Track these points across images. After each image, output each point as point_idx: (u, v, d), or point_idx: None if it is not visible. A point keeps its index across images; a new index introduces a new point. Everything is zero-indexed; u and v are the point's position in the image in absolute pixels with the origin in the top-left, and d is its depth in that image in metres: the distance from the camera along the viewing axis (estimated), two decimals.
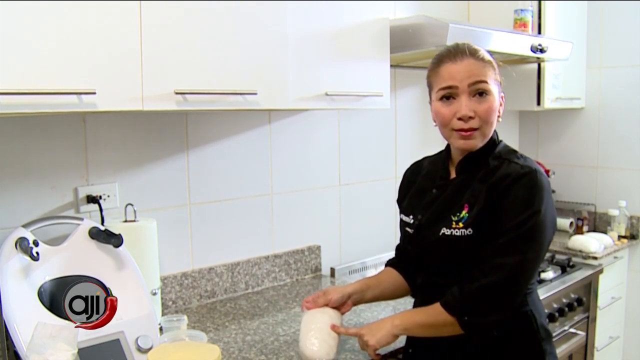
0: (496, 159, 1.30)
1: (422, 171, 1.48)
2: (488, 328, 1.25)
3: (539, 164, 1.35)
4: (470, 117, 1.26)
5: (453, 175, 1.37)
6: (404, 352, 1.48)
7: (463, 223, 1.26)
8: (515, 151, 1.33)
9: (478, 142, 1.30)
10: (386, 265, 1.57)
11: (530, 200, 1.21)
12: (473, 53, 1.29)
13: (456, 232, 1.26)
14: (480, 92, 1.26)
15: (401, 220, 1.45)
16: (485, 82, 1.26)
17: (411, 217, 1.40)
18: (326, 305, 1.44)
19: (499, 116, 1.32)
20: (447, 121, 1.29)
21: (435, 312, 1.26)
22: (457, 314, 1.23)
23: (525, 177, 1.23)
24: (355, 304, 1.49)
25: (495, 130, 1.34)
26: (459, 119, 1.27)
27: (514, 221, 1.21)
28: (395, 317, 1.34)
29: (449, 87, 1.28)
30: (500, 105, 1.33)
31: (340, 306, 1.46)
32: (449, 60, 1.29)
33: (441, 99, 1.30)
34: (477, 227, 1.24)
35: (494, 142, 1.33)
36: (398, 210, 1.50)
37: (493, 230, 1.23)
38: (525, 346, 1.31)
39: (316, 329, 1.38)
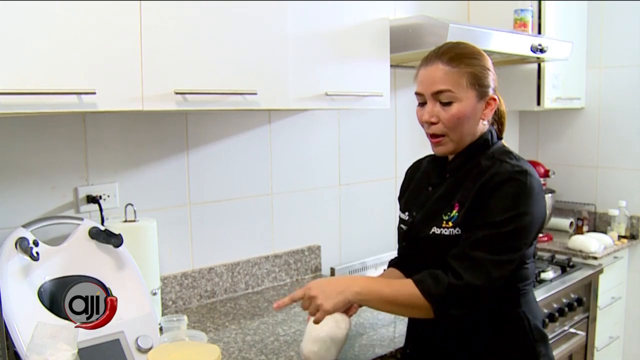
0: (489, 159, 1.29)
1: (422, 169, 1.48)
2: (457, 319, 1.23)
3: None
4: (433, 123, 1.29)
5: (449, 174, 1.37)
6: (402, 352, 1.48)
7: (453, 222, 1.26)
8: (509, 152, 1.32)
9: (449, 148, 1.31)
10: (389, 265, 1.57)
11: (518, 201, 1.20)
12: (445, 57, 1.27)
13: (445, 231, 1.26)
14: (443, 100, 1.27)
15: (399, 217, 1.46)
16: (449, 90, 1.25)
17: (407, 214, 1.41)
18: None
19: (482, 119, 1.31)
20: (421, 124, 1.34)
21: (408, 292, 1.22)
22: (436, 303, 1.19)
23: (515, 178, 1.22)
24: (361, 306, 1.49)
25: (490, 131, 1.34)
26: (425, 122, 1.31)
27: (496, 218, 1.19)
28: (355, 282, 1.28)
29: (419, 93, 1.32)
30: (487, 106, 1.31)
31: (347, 309, 1.46)
32: (424, 64, 1.31)
33: (418, 102, 1.34)
34: (465, 226, 1.24)
35: (487, 141, 1.33)
36: (398, 210, 1.51)
37: (475, 222, 1.22)
38: (519, 347, 1.30)
39: (319, 331, 1.38)
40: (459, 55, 1.28)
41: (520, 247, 1.23)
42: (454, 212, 1.27)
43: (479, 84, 1.28)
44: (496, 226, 1.20)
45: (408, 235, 1.38)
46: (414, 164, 1.55)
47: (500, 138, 1.38)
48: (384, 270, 1.59)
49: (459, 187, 1.30)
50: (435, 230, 1.28)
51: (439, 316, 1.21)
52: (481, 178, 1.25)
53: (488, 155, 1.31)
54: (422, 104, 1.32)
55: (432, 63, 1.29)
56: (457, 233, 1.25)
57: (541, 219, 1.26)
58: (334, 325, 1.40)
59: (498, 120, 1.40)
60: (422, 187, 1.42)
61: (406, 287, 1.23)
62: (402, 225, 1.42)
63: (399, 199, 1.53)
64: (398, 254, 1.55)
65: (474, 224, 1.23)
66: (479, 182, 1.25)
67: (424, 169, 1.47)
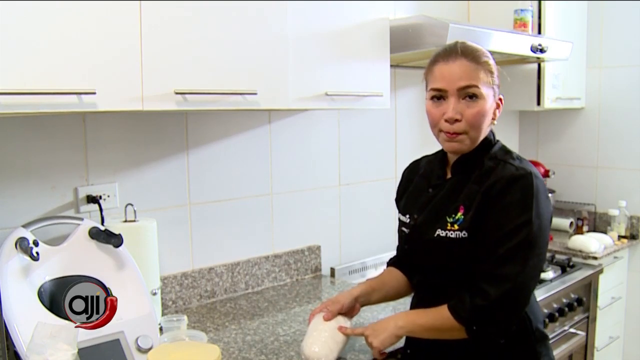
0: (491, 160, 1.29)
1: (420, 170, 1.48)
2: (496, 336, 1.25)
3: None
4: (457, 120, 1.26)
5: (449, 175, 1.37)
6: (402, 353, 1.48)
7: (458, 225, 1.26)
8: (510, 152, 1.32)
9: (465, 146, 1.29)
10: (388, 264, 1.57)
11: (526, 205, 1.20)
12: (467, 54, 1.26)
13: (451, 234, 1.26)
14: (470, 96, 1.25)
15: (399, 219, 1.45)
16: (476, 86, 1.24)
17: (407, 216, 1.41)
18: (339, 312, 1.43)
19: (493, 119, 1.31)
20: (436, 121, 1.30)
21: (442, 317, 1.25)
22: (466, 324, 1.22)
23: (520, 180, 1.22)
24: (362, 306, 1.50)
25: (491, 131, 1.34)
26: (446, 120, 1.27)
27: (510, 227, 1.20)
28: (398, 317, 1.33)
29: (439, 89, 1.27)
30: (497, 107, 1.31)
31: (348, 310, 1.46)
32: (442, 60, 1.28)
33: (432, 98, 1.30)
34: (472, 230, 1.24)
35: (489, 142, 1.33)
36: (397, 210, 1.50)
37: (487, 233, 1.22)
38: (520, 348, 1.31)
39: (320, 331, 1.38)
40: (480, 54, 1.28)
41: (542, 249, 1.24)
42: (459, 215, 1.26)
43: (494, 84, 1.29)
44: (511, 237, 1.20)
45: (411, 238, 1.38)
46: (410, 165, 1.55)
47: None
48: (384, 270, 1.59)
49: (462, 188, 1.29)
50: (440, 232, 1.28)
51: (473, 336, 1.23)
52: (486, 180, 1.25)
53: (490, 155, 1.30)
54: (438, 99, 1.28)
55: (454, 59, 1.26)
56: (463, 236, 1.25)
57: (550, 218, 1.26)
58: (335, 325, 1.40)
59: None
60: (421, 189, 1.41)
61: (440, 312, 1.26)
62: (404, 228, 1.41)
63: (397, 201, 1.52)
64: (397, 252, 1.55)
65: (484, 231, 1.23)
66: (484, 185, 1.25)
67: (423, 171, 1.47)
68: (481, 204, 1.24)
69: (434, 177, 1.40)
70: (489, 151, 1.31)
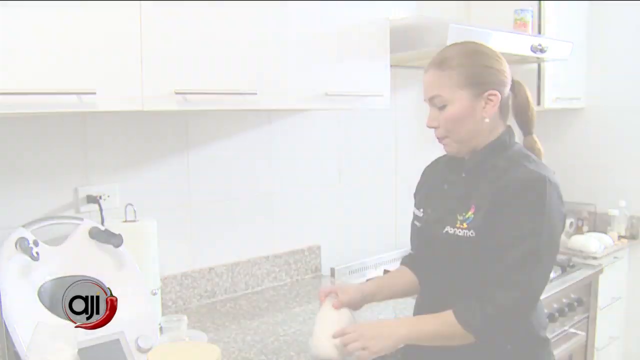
0: (506, 162, 1.28)
1: (439, 166, 1.48)
2: (504, 342, 1.26)
3: None
4: (435, 127, 1.32)
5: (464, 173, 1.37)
6: (402, 352, 1.47)
7: (467, 224, 1.25)
8: (528, 155, 1.30)
9: (453, 149, 1.33)
10: (402, 263, 1.56)
11: (537, 210, 1.20)
12: (436, 61, 1.30)
13: (459, 232, 1.26)
14: (438, 104, 1.29)
15: (413, 213, 1.45)
16: (438, 95, 1.28)
17: (421, 210, 1.41)
18: (347, 304, 1.41)
19: (485, 116, 1.28)
20: None
21: (449, 324, 1.23)
22: (477, 333, 1.21)
23: (533, 185, 1.21)
24: (365, 303, 1.49)
25: (508, 132, 1.33)
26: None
27: (521, 232, 1.19)
28: (400, 325, 1.31)
29: (425, 99, 1.34)
30: (487, 103, 1.27)
31: (354, 305, 1.45)
32: (425, 71, 1.33)
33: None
34: (481, 230, 1.23)
35: (504, 142, 1.31)
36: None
37: (496, 236, 1.22)
38: (521, 351, 1.30)
39: (336, 327, 1.34)
40: (449, 58, 1.28)
41: (551, 256, 1.24)
42: (470, 214, 1.26)
43: (473, 83, 1.26)
44: (521, 243, 1.19)
45: (421, 232, 1.39)
46: (432, 162, 1.54)
47: (529, 133, 1.38)
48: (390, 270, 1.58)
49: (475, 188, 1.29)
50: (449, 229, 1.28)
51: (482, 341, 1.22)
52: (498, 181, 1.24)
53: (506, 156, 1.29)
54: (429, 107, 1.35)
55: (427, 69, 1.32)
56: (471, 235, 1.24)
57: (562, 225, 1.26)
58: (347, 322, 1.36)
59: (523, 114, 1.37)
60: (437, 185, 1.41)
61: (446, 319, 1.24)
62: (416, 222, 1.42)
63: (415, 195, 1.52)
64: (412, 248, 1.54)
65: (493, 233, 1.22)
66: (497, 186, 1.24)
67: (441, 167, 1.47)
68: (492, 205, 1.23)
69: (450, 174, 1.40)
70: (503, 152, 1.30)
